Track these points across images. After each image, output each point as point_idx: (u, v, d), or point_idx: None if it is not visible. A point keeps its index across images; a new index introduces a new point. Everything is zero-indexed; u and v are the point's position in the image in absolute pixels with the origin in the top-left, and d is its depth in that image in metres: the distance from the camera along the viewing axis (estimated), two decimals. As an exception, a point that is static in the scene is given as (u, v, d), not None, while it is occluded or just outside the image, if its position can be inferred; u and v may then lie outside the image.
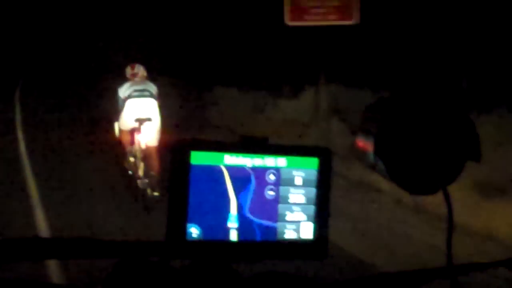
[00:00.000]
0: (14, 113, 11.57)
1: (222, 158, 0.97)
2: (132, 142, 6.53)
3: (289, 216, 1.02)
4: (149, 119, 6.29)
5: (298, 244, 1.02)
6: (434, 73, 9.35)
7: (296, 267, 1.13)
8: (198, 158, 0.95)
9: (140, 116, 6.30)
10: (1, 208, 5.68)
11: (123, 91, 6.57)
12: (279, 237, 1.01)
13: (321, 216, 1.03)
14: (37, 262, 0.95)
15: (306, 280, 1.04)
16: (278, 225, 1.01)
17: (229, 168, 0.97)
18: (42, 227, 5.36)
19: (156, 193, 6.14)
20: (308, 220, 1.03)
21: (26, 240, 0.91)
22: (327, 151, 1.03)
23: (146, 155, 6.39)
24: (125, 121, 6.45)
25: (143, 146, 6.35)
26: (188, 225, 0.96)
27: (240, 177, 0.98)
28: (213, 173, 0.96)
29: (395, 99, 0.94)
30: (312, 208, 1.03)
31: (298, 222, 1.02)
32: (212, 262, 1.00)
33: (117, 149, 7.09)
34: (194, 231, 0.96)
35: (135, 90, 6.49)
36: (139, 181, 6.35)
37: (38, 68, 19.09)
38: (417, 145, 0.92)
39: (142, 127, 6.29)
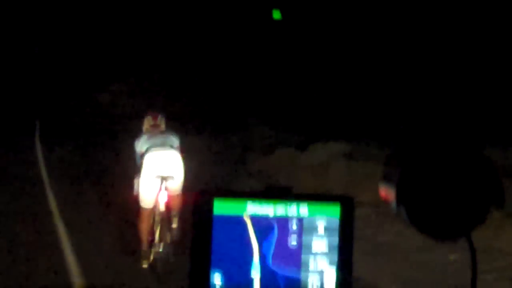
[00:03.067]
0: (39, 168, 11.43)
1: (245, 207, 0.98)
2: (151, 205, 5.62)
3: (312, 265, 1.02)
4: (171, 177, 5.47)
5: None
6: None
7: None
8: (221, 208, 0.97)
9: (162, 173, 5.46)
10: (34, 261, 5.67)
11: (141, 144, 5.73)
12: (302, 286, 1.01)
13: (345, 263, 1.02)
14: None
15: None
16: (302, 274, 1.01)
17: (252, 218, 0.98)
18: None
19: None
20: (332, 268, 1.03)
21: None
22: (349, 199, 1.03)
23: (164, 218, 5.56)
24: (144, 178, 5.54)
25: (162, 208, 5.50)
26: (211, 273, 0.96)
27: (263, 226, 0.99)
28: (236, 223, 0.98)
29: (416, 147, 0.95)
30: (335, 256, 1.03)
31: (322, 270, 1.02)
32: None
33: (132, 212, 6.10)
34: (217, 280, 0.97)
35: (155, 143, 5.66)
36: (153, 249, 5.53)
37: (54, 114, 18.83)
38: (439, 192, 0.91)
39: (162, 186, 5.46)
